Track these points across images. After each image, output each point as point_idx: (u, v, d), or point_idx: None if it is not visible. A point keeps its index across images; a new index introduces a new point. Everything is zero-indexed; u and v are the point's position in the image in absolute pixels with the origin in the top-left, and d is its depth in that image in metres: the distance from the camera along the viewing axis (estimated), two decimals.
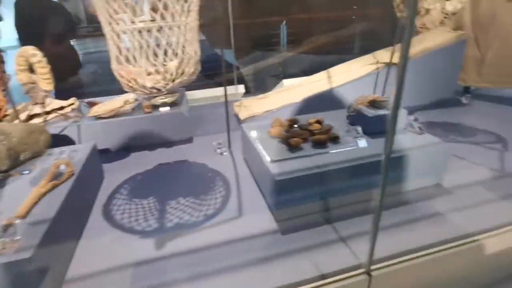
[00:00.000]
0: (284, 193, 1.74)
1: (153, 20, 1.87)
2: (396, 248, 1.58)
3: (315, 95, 3.20)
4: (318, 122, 2.19)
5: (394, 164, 1.88)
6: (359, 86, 3.20)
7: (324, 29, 5.58)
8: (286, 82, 4.18)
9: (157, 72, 2.01)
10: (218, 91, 4.43)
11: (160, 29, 1.92)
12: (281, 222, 1.79)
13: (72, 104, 2.88)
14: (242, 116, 3.17)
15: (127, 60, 1.93)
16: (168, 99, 2.91)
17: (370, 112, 2.07)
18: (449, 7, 2.51)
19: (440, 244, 1.60)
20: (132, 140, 2.82)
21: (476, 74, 3.50)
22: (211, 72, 4.69)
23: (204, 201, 2.03)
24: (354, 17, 5.26)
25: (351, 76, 3.26)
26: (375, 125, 2.08)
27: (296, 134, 2.01)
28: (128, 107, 2.79)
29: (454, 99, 3.53)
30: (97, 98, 3.12)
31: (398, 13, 2.64)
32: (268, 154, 1.89)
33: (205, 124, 3.34)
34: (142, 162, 2.61)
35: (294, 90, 3.48)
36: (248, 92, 3.91)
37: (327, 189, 1.81)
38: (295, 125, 2.21)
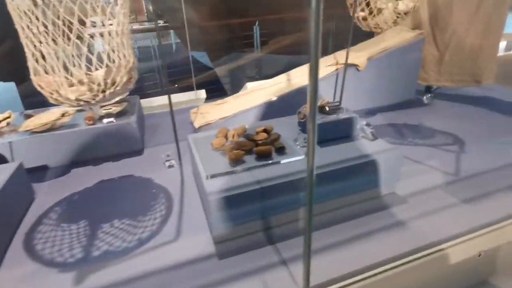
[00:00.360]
0: (221, 213, 1.58)
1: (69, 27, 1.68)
2: (346, 267, 1.45)
3: (274, 100, 3.06)
4: (265, 131, 2.04)
5: (344, 174, 1.76)
6: (320, 88, 3.09)
7: (296, 29, 5.53)
8: (250, 85, 4.04)
9: (81, 82, 1.81)
10: (181, 96, 4.26)
11: (80, 36, 1.73)
12: (220, 245, 1.63)
13: (8, 117, 2.62)
14: (196, 124, 2.99)
15: (46, 70, 1.73)
16: (113, 109, 2.70)
17: (318, 119, 1.95)
18: (401, 6, 2.43)
19: (397, 258, 1.49)
20: (73, 155, 2.59)
21: (436, 72, 3.47)
22: (184, 76, 4.58)
23: (140, 223, 1.85)
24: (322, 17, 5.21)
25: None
26: (324, 133, 1.95)
27: (239, 146, 1.85)
28: (66, 119, 2.56)
29: (415, 99, 3.48)
30: (42, 108, 2.88)
31: (351, 13, 2.54)
32: (205, 168, 1.72)
33: (160, 134, 3.14)
34: (82, 179, 2.39)
35: (253, 95, 3.34)
36: (224, 95, 3.73)
37: (269, 206, 1.66)
38: (242, 135, 2.06)
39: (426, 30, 3.37)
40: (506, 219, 1.74)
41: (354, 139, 1.99)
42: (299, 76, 3.29)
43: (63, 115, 2.56)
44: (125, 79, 1.92)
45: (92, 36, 1.73)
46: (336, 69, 3.13)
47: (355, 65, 3.11)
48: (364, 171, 1.80)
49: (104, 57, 1.77)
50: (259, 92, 3.35)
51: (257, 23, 5.36)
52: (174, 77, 4.76)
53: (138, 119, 2.79)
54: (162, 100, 4.03)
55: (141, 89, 4.67)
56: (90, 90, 1.81)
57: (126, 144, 2.71)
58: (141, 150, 2.78)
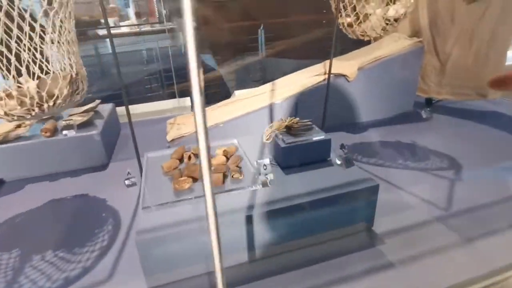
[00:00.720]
0: (154, 253, 1.33)
1: None
2: None
3: (253, 112, 2.81)
4: (225, 153, 1.80)
5: (309, 209, 1.49)
6: (305, 99, 2.83)
7: (301, 34, 5.42)
8: (238, 92, 3.80)
9: (9, 96, 1.60)
10: (164, 104, 4.06)
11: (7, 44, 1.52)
12: None
13: None
14: (169, 137, 2.77)
15: None
16: (74, 120, 2.50)
17: (284, 141, 1.68)
18: (391, 12, 2.14)
19: None
20: (30, 169, 2.40)
21: (437, 84, 3.15)
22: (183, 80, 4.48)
23: (75, 256, 1.62)
24: (324, 21, 5.00)
25: (296, 89, 2.88)
26: (289, 158, 1.69)
27: (189, 172, 1.61)
28: (22, 130, 2.37)
29: (414, 112, 3.17)
30: None
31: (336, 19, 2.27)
32: (143, 198, 1.48)
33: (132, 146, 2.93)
34: (34, 196, 2.18)
35: (234, 105, 3.09)
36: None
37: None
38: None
39: (426, 38, 3.07)
40: (509, 269, 1.43)
41: (325, 166, 1.72)
42: (281, 87, 3.03)
43: (19, 126, 2.38)
44: (65, 91, 1.70)
45: (18, 44, 1.52)
46: (324, 79, 2.85)
47: (344, 76, 2.83)
48: (333, 205, 1.53)
49: (35, 67, 1.56)
50: (242, 102, 3.11)
51: (262, 26, 5.23)
52: (171, 81, 4.57)
53: (104, 131, 2.58)
54: (144, 107, 3.84)
55: (134, 93, 4.49)
56: (22, 104, 1.60)
57: (88, 158, 2.51)
58: (105, 165, 2.57)
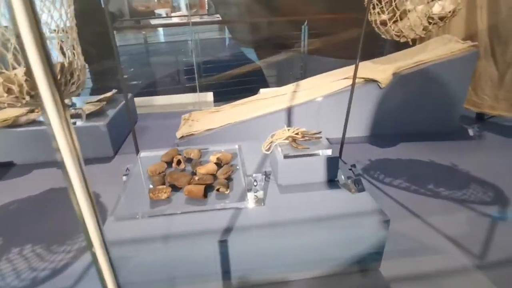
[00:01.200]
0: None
1: None
2: None
3: (271, 113, 2.58)
4: (218, 160, 1.60)
5: (304, 239, 1.25)
6: (329, 104, 2.54)
7: (344, 32, 5.16)
8: (263, 91, 3.59)
9: None
10: (190, 97, 3.95)
11: None
12: None
13: None
14: (179, 133, 2.64)
15: None
16: (83, 110, 2.45)
17: (283, 153, 1.44)
18: (436, 8, 1.78)
19: None
20: (38, 154, 2.40)
21: (492, 98, 2.67)
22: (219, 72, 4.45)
23: (49, 255, 1.54)
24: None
25: (319, 92, 2.59)
26: (287, 174, 1.45)
27: (172, 179, 1.44)
28: (34, 116, 2.38)
29: (459, 128, 2.72)
30: None
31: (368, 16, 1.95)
32: (119, 206, 1.34)
33: (146, 139, 2.86)
34: (37, 183, 2.17)
35: (252, 105, 2.88)
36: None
37: (181, 274, 1.23)
38: (194, 162, 1.64)
39: (482, 43, 2.60)
40: None
41: (329, 187, 1.45)
42: (305, 89, 2.75)
43: (31, 111, 2.38)
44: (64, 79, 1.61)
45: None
46: (352, 85, 2.53)
47: (375, 81, 2.48)
48: (332, 237, 1.27)
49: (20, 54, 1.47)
50: (261, 102, 2.89)
51: (306, 22, 5.03)
52: (209, 73, 4.48)
53: (113, 122, 2.52)
54: (164, 100, 3.77)
55: (167, 84, 4.48)
56: (9, 91, 1.53)
57: (94, 149, 2.46)
58: (111, 157, 2.51)
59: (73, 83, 1.70)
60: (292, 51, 5.22)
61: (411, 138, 2.57)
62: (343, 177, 1.46)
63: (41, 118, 2.45)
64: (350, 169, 1.46)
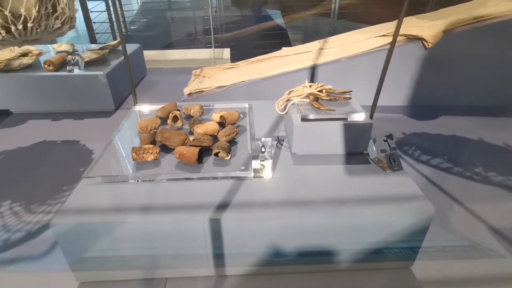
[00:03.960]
0: (76, 243, 0.97)
1: None
2: None
3: (292, 72, 2.23)
4: (222, 119, 1.32)
5: (319, 224, 0.98)
6: (361, 65, 2.16)
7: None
8: (285, 49, 3.21)
9: None
10: (205, 53, 3.61)
11: None
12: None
13: None
14: (186, 90, 2.36)
15: None
16: (82, 57, 2.20)
17: (301, 114, 1.14)
18: None
19: None
20: (34, 103, 2.21)
21: None
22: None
23: (28, 215, 1.36)
24: None
25: (350, 50, 2.20)
26: (304, 140, 1.15)
27: (162, 137, 1.18)
28: (27, 60, 2.15)
29: None
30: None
31: None
32: (95, 166, 1.10)
33: (151, 94, 2.60)
34: (32, 133, 2.00)
35: (270, 62, 2.53)
36: None
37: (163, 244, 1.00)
38: (194, 119, 1.37)
39: None
40: None
41: (357, 162, 1.15)
42: (343, 44, 2.35)
43: (25, 54, 2.16)
44: (34, 12, 1.35)
45: None
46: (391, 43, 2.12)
47: (421, 39, 2.06)
48: (355, 226, 0.99)
49: None
50: (280, 60, 2.53)
51: None
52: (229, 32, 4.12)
53: (115, 73, 2.26)
54: (177, 54, 3.46)
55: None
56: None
57: (94, 101, 2.23)
58: (112, 112, 2.29)
59: (57, 17, 1.44)
60: (320, 16, 4.78)
61: (455, 112, 2.18)
62: (375, 150, 1.15)
63: (30, 63, 2.22)
64: (385, 140, 1.14)
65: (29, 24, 1.33)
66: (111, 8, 4.06)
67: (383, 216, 0.96)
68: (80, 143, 1.91)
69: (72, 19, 1.53)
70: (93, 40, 3.52)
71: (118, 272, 1.03)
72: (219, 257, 1.01)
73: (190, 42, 4.03)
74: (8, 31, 1.32)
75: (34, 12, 1.33)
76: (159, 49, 3.48)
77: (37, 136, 1.98)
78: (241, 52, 3.47)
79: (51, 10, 1.41)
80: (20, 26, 1.32)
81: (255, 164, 1.07)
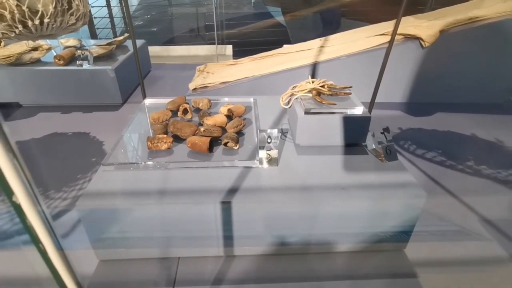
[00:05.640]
0: (100, 224, 1.06)
1: None
2: None
3: (294, 69, 2.31)
4: (229, 112, 1.40)
5: (321, 209, 1.07)
6: (359, 63, 2.24)
7: None
8: (287, 46, 3.28)
9: None
10: (208, 49, 3.68)
11: None
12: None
13: None
14: (191, 85, 2.44)
15: None
16: (91, 52, 2.27)
17: (305, 108, 1.22)
18: None
19: None
20: (44, 97, 2.28)
21: None
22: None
23: (46, 199, 1.44)
24: None
25: (349, 48, 2.29)
26: (307, 132, 1.24)
27: (174, 128, 1.26)
28: (38, 54, 2.22)
29: (508, 102, 2.38)
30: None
31: None
32: (113, 154, 1.19)
33: (157, 89, 2.68)
34: (42, 125, 2.07)
35: (273, 59, 2.61)
36: None
37: (175, 224, 1.09)
38: (203, 112, 1.45)
39: None
40: None
41: (355, 152, 1.24)
42: (342, 43, 2.43)
43: (35, 49, 2.22)
44: (51, 8, 1.42)
45: None
46: (389, 41, 2.20)
47: (418, 39, 2.14)
48: (354, 209, 1.08)
49: None
50: (282, 57, 2.61)
51: None
52: (230, 28, 4.18)
53: (123, 68, 2.34)
54: (181, 50, 3.53)
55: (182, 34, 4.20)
56: (1, 18, 1.36)
57: (102, 95, 2.31)
58: (120, 105, 2.36)
59: (71, 14, 1.51)
60: (320, 13, 4.86)
61: (450, 109, 2.28)
62: (372, 141, 1.24)
63: (41, 57, 2.29)
64: (382, 133, 1.23)
65: (46, 20, 1.41)
66: (117, 4, 4.12)
67: (380, 201, 1.05)
68: (90, 135, 1.98)
69: (85, 15, 1.60)
70: (93, 35, 3.57)
71: (135, 251, 1.12)
72: (228, 239, 1.10)
73: (191, 38, 4.09)
74: (24, 25, 1.40)
75: (51, 8, 1.40)
76: (160, 45, 3.55)
77: (48, 128, 2.05)
78: (243, 48, 3.54)
79: (66, 7, 1.48)
80: (37, 21, 1.39)
81: (262, 153, 1.15)
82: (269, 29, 4.57)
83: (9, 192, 0.34)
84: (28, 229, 0.38)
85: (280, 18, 5.22)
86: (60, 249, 0.42)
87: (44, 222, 0.38)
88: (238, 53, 3.51)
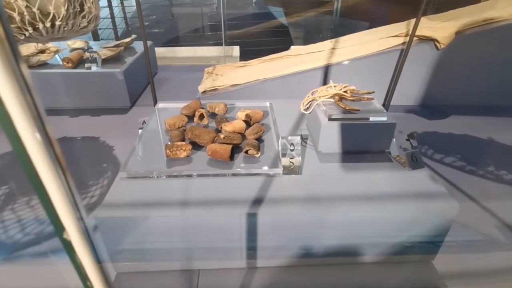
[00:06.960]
0: (118, 236, 1.02)
1: None
2: None
3: (306, 71, 2.28)
4: (247, 117, 1.36)
5: (347, 218, 1.03)
6: (373, 65, 2.20)
7: None
8: (295, 48, 3.24)
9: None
10: (214, 50, 3.64)
11: None
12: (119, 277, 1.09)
13: None
14: (201, 87, 2.40)
15: None
16: (99, 54, 2.23)
17: (328, 114, 1.19)
18: None
19: None
20: (52, 100, 2.24)
21: None
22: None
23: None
24: None
25: (362, 50, 2.25)
26: (331, 139, 1.20)
27: (192, 135, 1.22)
28: (45, 57, 2.18)
29: None
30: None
31: None
32: (131, 162, 1.15)
33: (165, 91, 2.64)
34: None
35: (282, 61, 2.57)
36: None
37: (189, 238, 1.05)
38: (219, 117, 1.41)
39: None
40: None
41: (380, 160, 1.20)
42: (355, 44, 2.39)
43: (42, 51, 2.18)
44: (63, 10, 1.38)
45: None
46: (404, 42, 2.17)
47: (433, 40, 2.10)
48: (381, 220, 1.04)
49: None
50: (292, 59, 2.57)
51: None
52: (233, 29, 4.15)
53: (131, 70, 2.30)
54: (187, 51, 3.49)
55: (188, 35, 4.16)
56: (10, 19, 1.32)
57: (110, 98, 2.27)
58: (128, 108, 2.32)
59: (83, 16, 1.47)
60: (322, 14, 4.84)
61: (465, 111, 2.24)
62: (397, 148, 1.20)
63: (48, 61, 2.25)
64: (408, 140, 1.19)
65: (57, 23, 1.37)
66: (118, 4, 4.08)
67: (409, 212, 1.01)
68: (100, 140, 1.94)
69: (97, 18, 1.56)
70: (95, 36, 3.52)
71: (154, 263, 1.08)
72: (251, 249, 1.06)
73: (195, 38, 4.04)
74: (35, 28, 1.35)
75: (63, 11, 1.36)
76: (165, 46, 3.51)
77: (57, 133, 2.01)
78: (247, 49, 3.50)
79: (78, 9, 1.44)
80: (48, 24, 1.35)
81: (285, 161, 1.11)
82: (270, 29, 4.53)
83: (60, 228, 0.31)
84: (78, 267, 0.34)
85: (282, 19, 5.18)
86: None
87: (94, 260, 0.34)
88: (244, 54, 3.47)
